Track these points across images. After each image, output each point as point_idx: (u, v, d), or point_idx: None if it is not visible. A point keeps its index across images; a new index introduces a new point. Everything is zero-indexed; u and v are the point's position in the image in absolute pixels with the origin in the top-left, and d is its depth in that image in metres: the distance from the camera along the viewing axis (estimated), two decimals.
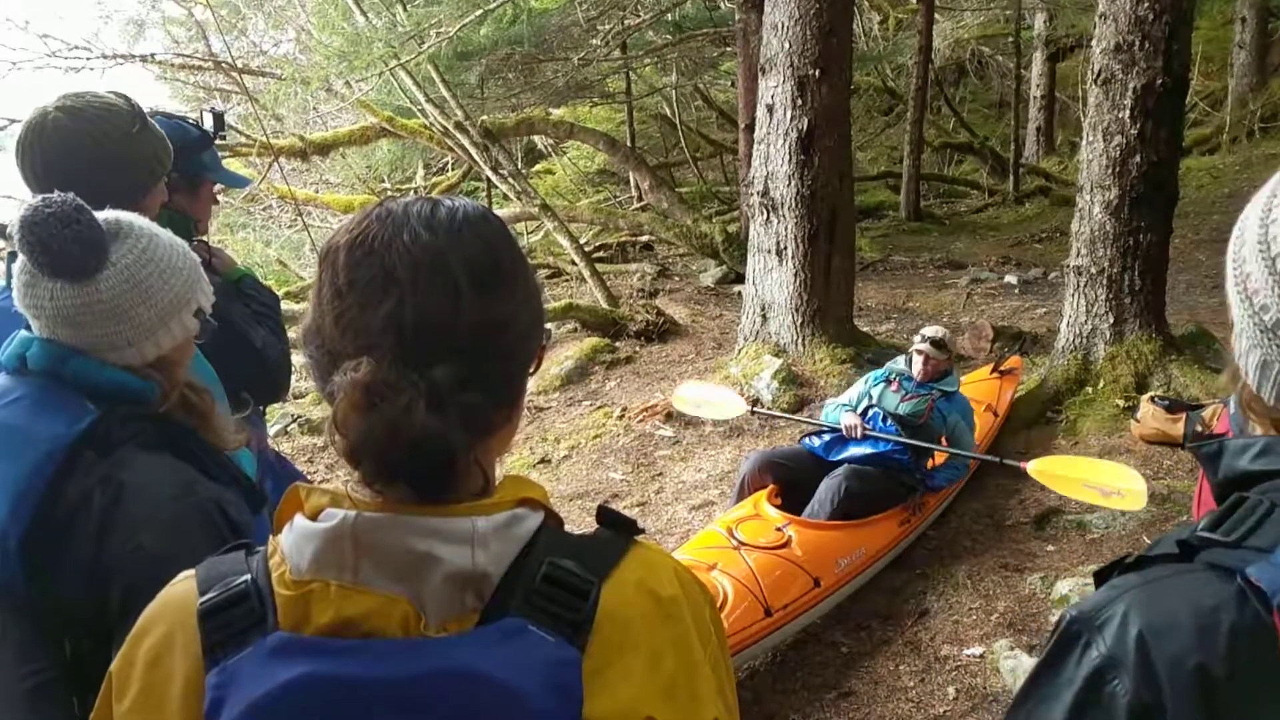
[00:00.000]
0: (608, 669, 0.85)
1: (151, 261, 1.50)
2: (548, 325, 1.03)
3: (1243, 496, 0.85)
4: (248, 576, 0.89)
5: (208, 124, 2.60)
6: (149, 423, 1.48)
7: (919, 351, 5.00)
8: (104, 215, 1.49)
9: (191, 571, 0.94)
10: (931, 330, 5.08)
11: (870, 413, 4.89)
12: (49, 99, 1.95)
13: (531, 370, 1.00)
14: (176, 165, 2.43)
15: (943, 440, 4.98)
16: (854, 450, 4.77)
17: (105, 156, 1.93)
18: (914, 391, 4.95)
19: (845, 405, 5.02)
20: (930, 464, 4.97)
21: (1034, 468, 4.68)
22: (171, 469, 1.46)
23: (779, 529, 4.32)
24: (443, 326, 0.87)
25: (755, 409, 5.58)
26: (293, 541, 0.89)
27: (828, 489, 4.58)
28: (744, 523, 4.39)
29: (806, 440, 5.06)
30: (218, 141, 2.64)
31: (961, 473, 5.09)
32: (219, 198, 2.79)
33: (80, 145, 1.91)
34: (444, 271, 0.88)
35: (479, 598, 0.85)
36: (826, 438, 4.91)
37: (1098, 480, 4.36)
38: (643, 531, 0.97)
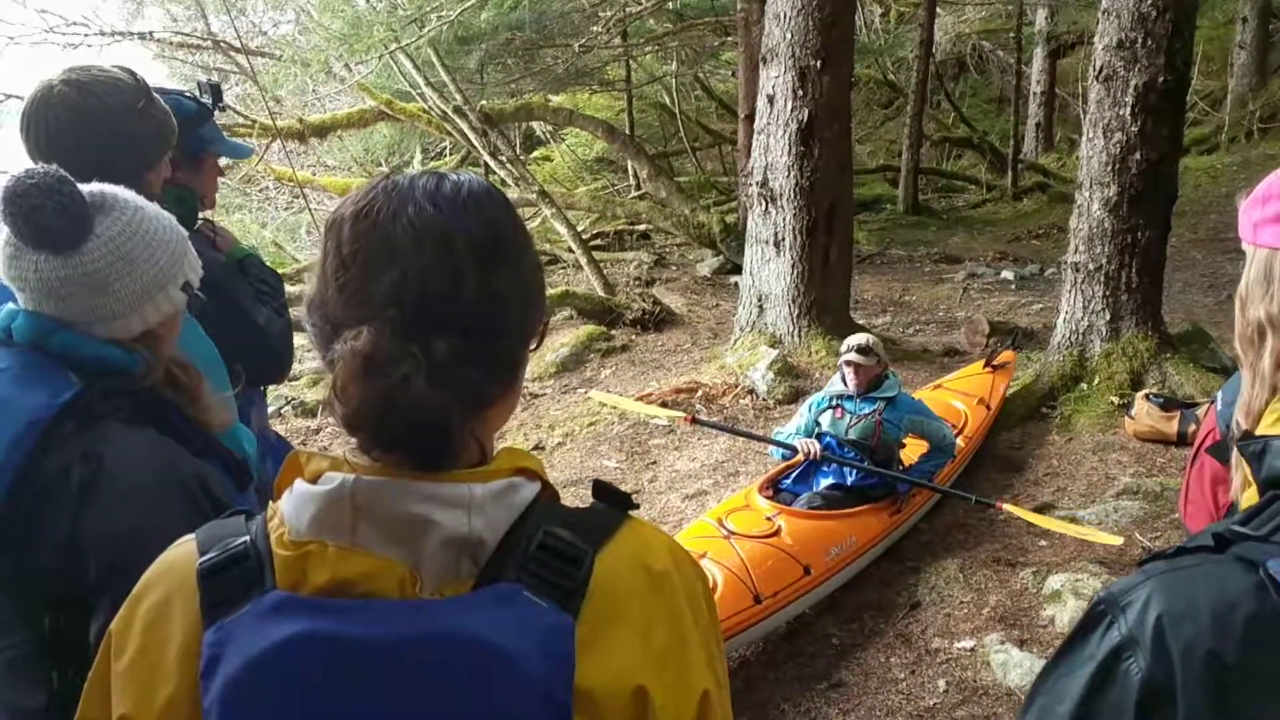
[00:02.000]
0: (600, 637, 0.86)
1: (137, 234, 1.49)
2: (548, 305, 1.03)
3: (1278, 494, 0.87)
4: (246, 538, 0.90)
5: (205, 97, 2.58)
6: (133, 397, 1.47)
7: (848, 363, 4.78)
8: (89, 188, 1.47)
9: (192, 535, 0.95)
10: (854, 339, 4.88)
11: (824, 439, 4.77)
12: (54, 73, 1.93)
13: (534, 347, 1.01)
14: (179, 138, 2.42)
15: (906, 442, 4.90)
16: (823, 483, 4.71)
17: (110, 131, 1.91)
18: (857, 412, 4.76)
19: (792, 436, 4.86)
20: (901, 468, 4.87)
21: (1008, 508, 4.62)
22: (153, 444, 1.45)
23: (769, 518, 4.34)
24: (444, 300, 0.88)
25: (697, 419, 5.43)
26: (292, 504, 0.90)
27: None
28: (734, 513, 4.41)
29: (774, 451, 4.98)
30: (216, 114, 2.63)
31: (944, 459, 4.90)
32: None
33: (86, 119, 1.89)
34: (447, 245, 0.89)
35: (475, 563, 0.86)
36: (793, 473, 4.83)
37: (1072, 532, 4.40)
38: (637, 507, 0.98)
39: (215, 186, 2.63)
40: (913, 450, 4.99)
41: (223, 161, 2.69)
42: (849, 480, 4.68)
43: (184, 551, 0.94)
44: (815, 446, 4.65)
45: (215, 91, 2.64)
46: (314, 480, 0.89)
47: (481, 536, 0.87)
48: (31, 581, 1.37)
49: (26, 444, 1.37)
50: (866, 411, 4.74)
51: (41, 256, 1.43)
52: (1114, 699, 0.85)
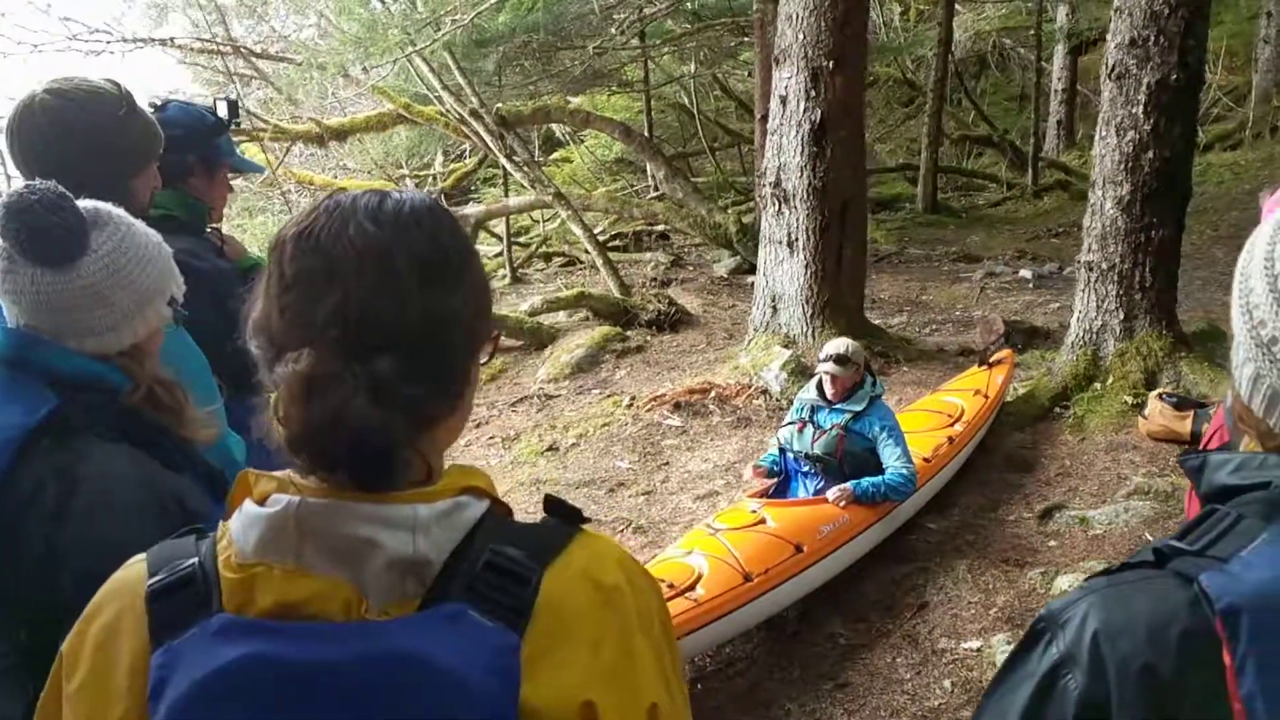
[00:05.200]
0: (547, 655, 0.86)
1: (130, 249, 1.53)
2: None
3: (1214, 508, 0.88)
4: (195, 560, 0.91)
5: (222, 111, 2.64)
6: (112, 413, 1.49)
7: (826, 373, 4.71)
8: (83, 204, 1.51)
9: (143, 555, 0.96)
10: (833, 347, 4.78)
11: (791, 459, 4.77)
12: (37, 84, 1.97)
13: (484, 360, 1.02)
14: (195, 150, 2.47)
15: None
16: (811, 489, 4.70)
17: (93, 140, 1.95)
18: (823, 426, 4.67)
19: (772, 457, 4.85)
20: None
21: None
22: (129, 460, 1.46)
23: (753, 510, 4.41)
24: (386, 319, 0.89)
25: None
26: (240, 526, 0.91)
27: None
28: (722, 515, 4.51)
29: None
30: (232, 128, 2.68)
31: (889, 496, 4.55)
32: (233, 184, 2.83)
33: (68, 129, 1.93)
34: (388, 264, 0.90)
35: (421, 583, 0.87)
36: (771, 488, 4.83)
37: None
38: (588, 521, 0.98)
39: (225, 198, 2.68)
40: None
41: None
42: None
43: (134, 572, 0.95)
44: (762, 484, 4.75)
45: (232, 107, 2.69)
46: (262, 501, 0.90)
47: (427, 557, 0.87)
48: (8, 596, 1.39)
49: (2, 460, 1.39)
50: (829, 426, 4.65)
51: (38, 271, 1.47)
52: (1053, 715, 0.86)
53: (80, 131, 1.94)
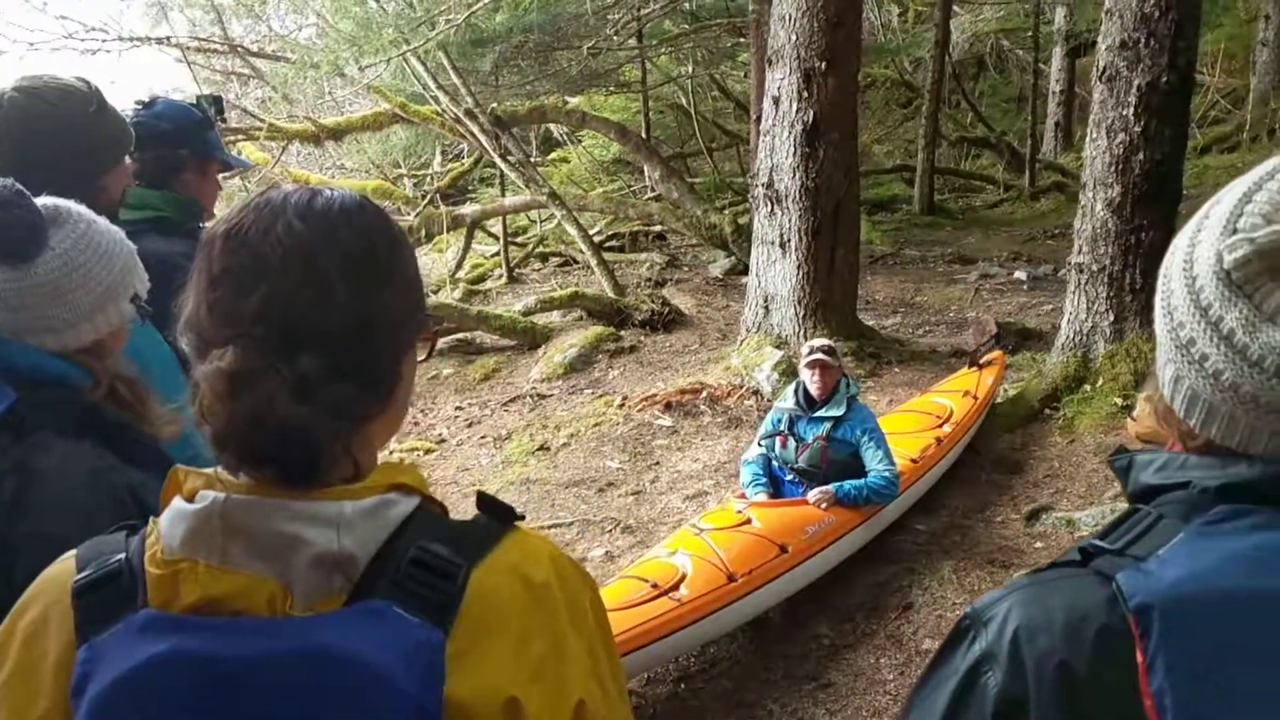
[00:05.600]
0: (472, 651, 0.87)
1: (90, 247, 1.53)
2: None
3: (1137, 508, 0.89)
4: (123, 555, 0.92)
5: (210, 108, 2.65)
6: (72, 410, 1.49)
7: (813, 364, 4.62)
8: (43, 201, 1.51)
9: (74, 550, 0.97)
10: (817, 341, 4.76)
11: (778, 467, 4.76)
12: (6, 82, 1.98)
13: (422, 358, 1.03)
14: (186, 143, 2.48)
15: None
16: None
17: (63, 138, 1.95)
18: (804, 438, 4.64)
19: (754, 465, 4.79)
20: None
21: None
22: (87, 455, 1.46)
23: (738, 511, 4.41)
24: (312, 316, 0.89)
25: None
26: (168, 522, 0.91)
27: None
28: (709, 515, 4.52)
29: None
30: (219, 124, 2.70)
31: (872, 499, 4.54)
32: (230, 184, 2.84)
33: (38, 127, 1.94)
34: (315, 261, 0.90)
35: (347, 580, 0.87)
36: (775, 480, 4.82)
37: None
38: (522, 518, 0.98)
39: (215, 196, 2.69)
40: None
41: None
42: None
43: (63, 568, 0.96)
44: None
45: (218, 102, 2.71)
46: (191, 497, 0.91)
47: (352, 553, 0.87)
48: None
49: None
50: (811, 439, 4.63)
51: None
52: (974, 712, 0.87)
53: (50, 130, 1.95)
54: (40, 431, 1.46)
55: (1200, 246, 0.86)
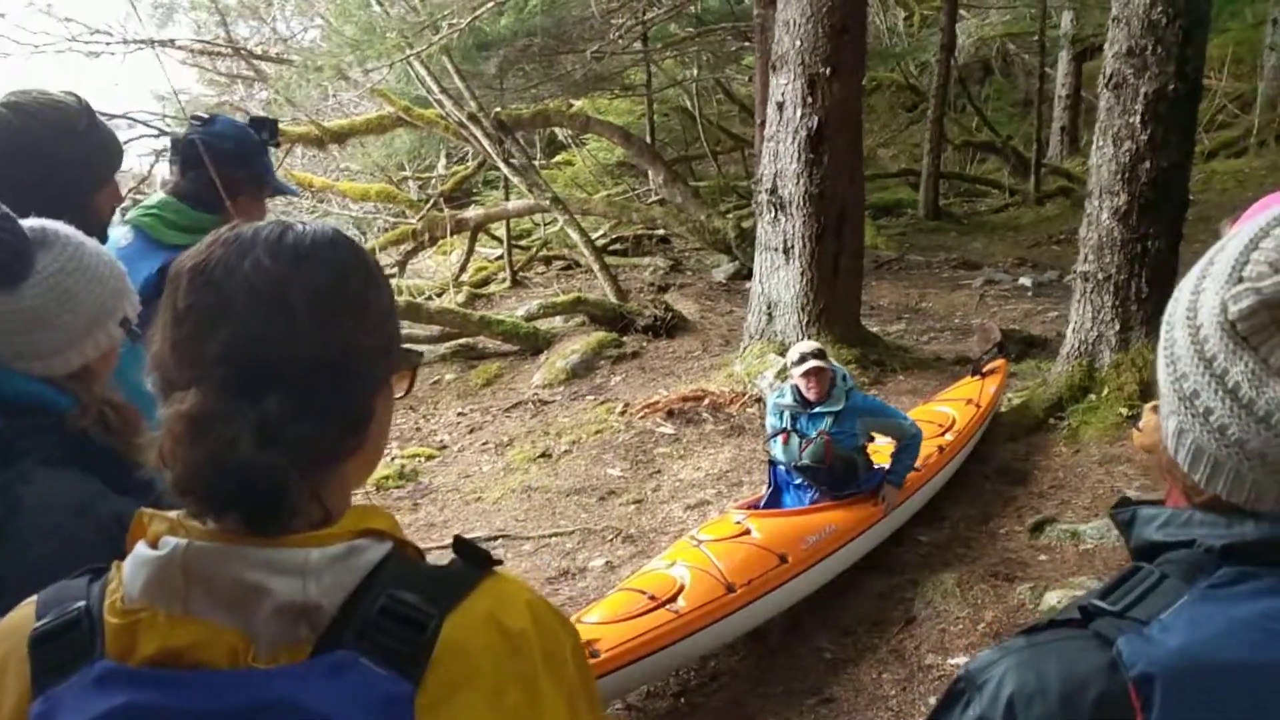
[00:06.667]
0: (444, 704, 0.83)
1: (78, 270, 1.49)
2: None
3: (1138, 566, 0.86)
4: (82, 603, 0.89)
5: (263, 132, 2.60)
6: (58, 436, 1.46)
7: (807, 373, 4.55)
8: (30, 223, 1.47)
9: (35, 597, 0.94)
10: (804, 348, 4.70)
11: (782, 471, 4.74)
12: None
13: (400, 395, 0.99)
14: (245, 165, 2.43)
15: (868, 448, 4.75)
16: (807, 501, 4.67)
17: (52, 153, 1.92)
18: (807, 434, 4.60)
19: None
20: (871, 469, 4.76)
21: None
22: (74, 484, 1.43)
23: (737, 522, 4.38)
24: (278, 357, 0.86)
25: None
26: (130, 568, 0.88)
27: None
28: (707, 526, 4.50)
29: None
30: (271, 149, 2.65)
31: (911, 455, 4.69)
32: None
33: (27, 142, 1.90)
34: (283, 300, 0.87)
35: (313, 630, 0.84)
36: (763, 500, 4.81)
37: None
38: (499, 563, 0.95)
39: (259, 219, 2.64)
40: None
41: None
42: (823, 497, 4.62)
43: (24, 614, 0.93)
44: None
45: (271, 126, 2.64)
46: (155, 542, 0.88)
47: (318, 602, 0.84)
48: None
49: None
50: (814, 434, 4.59)
51: None
52: None
53: (38, 148, 1.91)
54: (25, 459, 1.42)
55: (1205, 295, 0.82)
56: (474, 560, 0.94)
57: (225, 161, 2.36)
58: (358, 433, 0.94)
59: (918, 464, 4.82)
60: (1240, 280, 0.79)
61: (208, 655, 0.83)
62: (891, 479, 4.64)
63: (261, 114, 2.77)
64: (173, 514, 0.89)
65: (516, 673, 0.88)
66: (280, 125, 9.96)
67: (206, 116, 2.52)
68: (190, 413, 0.84)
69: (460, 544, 0.95)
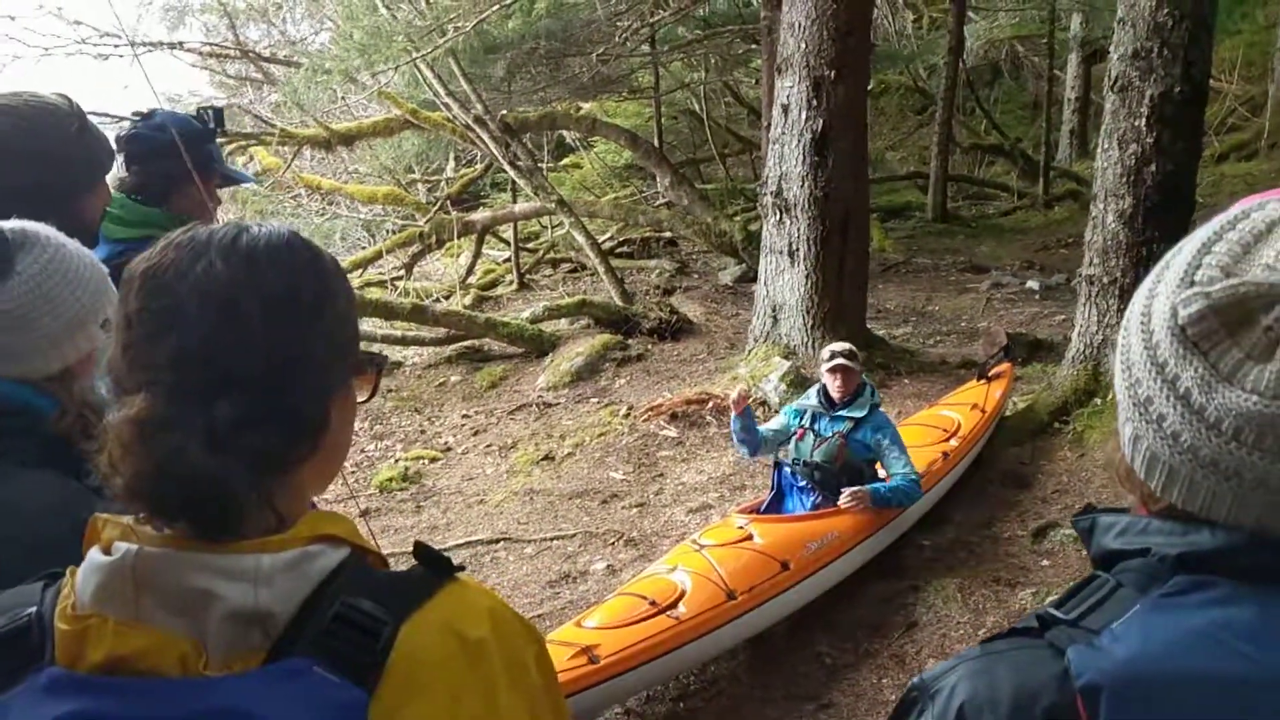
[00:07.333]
0: (398, 711, 0.82)
1: (58, 272, 1.49)
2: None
3: (1095, 575, 0.85)
4: (34, 609, 0.88)
5: (209, 121, 2.62)
6: (36, 439, 1.45)
7: (835, 369, 4.62)
8: (9, 225, 1.47)
9: None
10: (837, 345, 4.77)
11: (787, 473, 4.74)
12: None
13: (362, 398, 0.99)
14: (188, 155, 2.43)
15: (876, 465, 4.70)
16: (808, 505, 4.66)
17: (43, 156, 1.91)
18: (823, 434, 4.64)
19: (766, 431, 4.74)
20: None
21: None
22: (50, 487, 1.42)
23: (739, 526, 4.37)
24: (229, 361, 0.85)
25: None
26: (82, 574, 0.87)
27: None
28: (709, 531, 4.48)
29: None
30: (219, 137, 2.67)
31: (898, 502, 4.59)
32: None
33: (18, 145, 1.89)
34: (233, 304, 0.86)
35: (266, 637, 0.83)
36: (764, 503, 4.79)
37: None
38: (461, 569, 0.94)
39: (213, 212, 2.65)
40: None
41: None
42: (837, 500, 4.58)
43: None
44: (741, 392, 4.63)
45: (218, 115, 2.67)
46: (108, 548, 0.87)
47: (270, 609, 0.83)
48: None
49: None
50: (831, 434, 4.62)
51: None
52: None
53: (28, 151, 1.91)
54: (3, 461, 1.42)
55: (1158, 299, 0.81)
56: (435, 567, 0.92)
57: (165, 154, 2.36)
58: (312, 439, 0.92)
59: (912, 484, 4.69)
60: (1191, 284, 0.78)
61: (158, 662, 0.82)
62: (875, 490, 4.49)
63: (211, 104, 2.77)
64: (126, 519, 0.88)
65: (474, 682, 0.87)
66: (288, 127, 9.97)
67: (146, 111, 2.53)
68: (139, 418, 0.83)
69: (421, 550, 0.94)
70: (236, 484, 0.84)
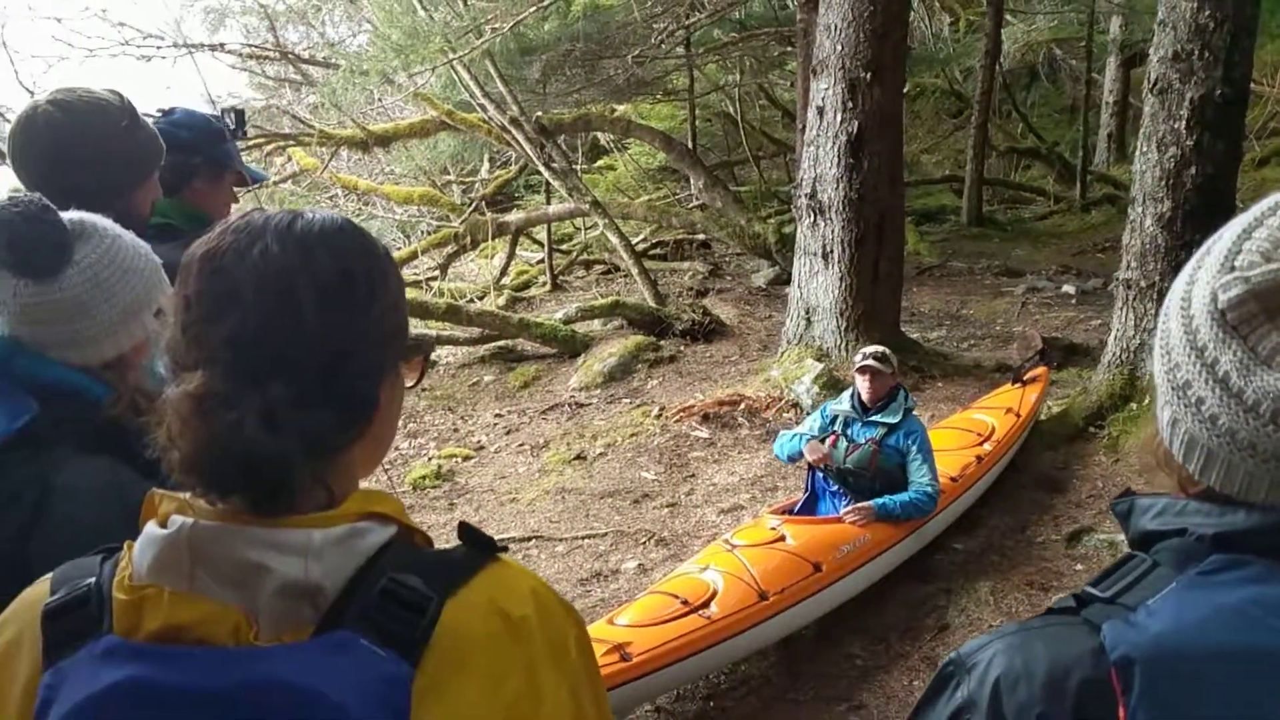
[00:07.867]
0: (442, 687, 0.84)
1: (114, 262, 1.53)
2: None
3: (1132, 554, 0.86)
4: (93, 579, 0.91)
5: (230, 121, 2.66)
6: (92, 424, 1.48)
7: (863, 370, 4.62)
8: (69, 215, 1.51)
9: (50, 574, 0.96)
10: (870, 348, 4.76)
11: (820, 477, 4.72)
12: (40, 94, 1.99)
13: (410, 383, 1.01)
14: (201, 152, 2.49)
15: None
16: (842, 507, 4.59)
17: (95, 151, 1.96)
18: (856, 440, 4.63)
19: (805, 436, 4.70)
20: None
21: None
22: (105, 471, 1.46)
23: (772, 527, 4.37)
24: (283, 343, 0.88)
25: None
26: (139, 547, 0.90)
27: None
28: (741, 531, 4.49)
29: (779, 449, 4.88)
30: (239, 139, 2.71)
31: (910, 514, 4.53)
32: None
33: (70, 140, 1.94)
34: (289, 288, 0.89)
35: (316, 610, 0.85)
36: (798, 505, 4.77)
37: None
38: (504, 550, 0.96)
39: (229, 208, 2.70)
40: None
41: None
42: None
43: (39, 591, 0.95)
44: (823, 451, 4.57)
45: (239, 116, 2.72)
46: (164, 522, 0.89)
47: (320, 583, 0.85)
48: None
49: None
50: (864, 440, 4.60)
51: (22, 282, 1.47)
52: None
53: (81, 144, 1.96)
54: (59, 446, 1.46)
55: (1198, 285, 0.83)
56: (479, 546, 0.95)
57: (181, 148, 2.40)
58: (363, 420, 0.94)
59: (938, 482, 4.68)
60: (1232, 269, 0.80)
61: (211, 632, 0.84)
62: (880, 505, 4.43)
63: (234, 105, 2.81)
64: (183, 494, 0.91)
65: (517, 659, 0.89)
66: (326, 128, 10.06)
67: (167, 108, 2.58)
68: (196, 393, 0.85)
69: (465, 530, 0.96)
70: (290, 462, 0.86)
